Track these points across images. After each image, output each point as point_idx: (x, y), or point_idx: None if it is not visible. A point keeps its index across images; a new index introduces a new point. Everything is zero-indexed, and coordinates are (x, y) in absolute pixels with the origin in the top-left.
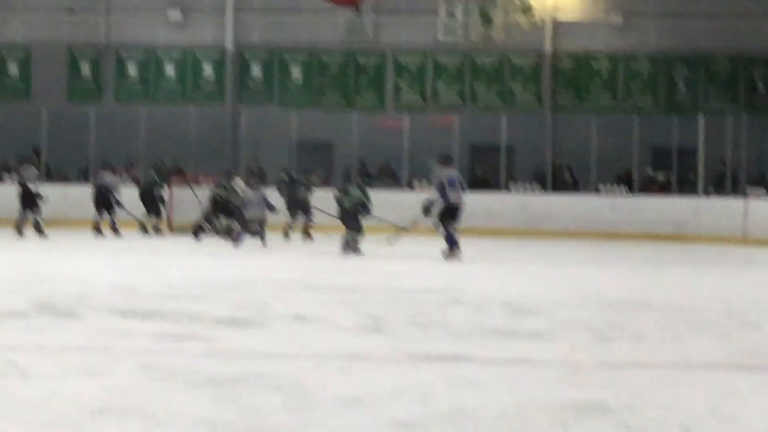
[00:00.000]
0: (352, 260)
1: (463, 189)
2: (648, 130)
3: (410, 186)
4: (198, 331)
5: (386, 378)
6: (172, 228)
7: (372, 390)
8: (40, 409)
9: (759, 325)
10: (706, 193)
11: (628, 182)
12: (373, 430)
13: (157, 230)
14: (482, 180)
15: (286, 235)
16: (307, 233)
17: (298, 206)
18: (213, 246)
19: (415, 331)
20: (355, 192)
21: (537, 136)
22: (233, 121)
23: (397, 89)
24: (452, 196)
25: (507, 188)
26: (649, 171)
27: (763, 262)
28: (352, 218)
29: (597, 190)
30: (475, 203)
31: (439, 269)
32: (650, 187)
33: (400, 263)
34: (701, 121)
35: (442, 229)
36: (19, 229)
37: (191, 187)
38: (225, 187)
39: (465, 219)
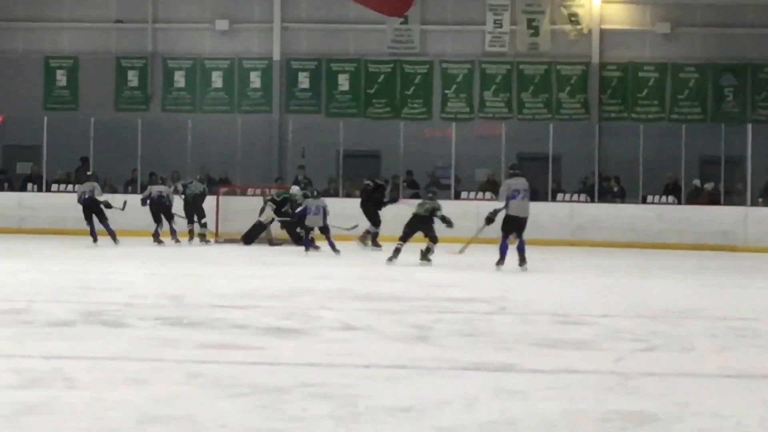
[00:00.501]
0: (399, 270)
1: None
2: (695, 139)
3: (457, 195)
4: (245, 340)
5: (433, 387)
6: (218, 237)
7: (418, 399)
8: (85, 418)
9: None
10: (754, 203)
11: (675, 192)
12: None
13: (203, 239)
14: (529, 189)
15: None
16: (376, 243)
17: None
18: (261, 254)
19: (461, 341)
20: (430, 202)
21: (584, 145)
22: (280, 131)
23: (444, 99)
24: (513, 207)
25: (554, 198)
26: (696, 182)
27: None
28: (429, 226)
29: (644, 200)
30: None
31: (486, 279)
32: (698, 197)
33: (448, 273)
34: (749, 130)
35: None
36: (94, 237)
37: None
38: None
39: None
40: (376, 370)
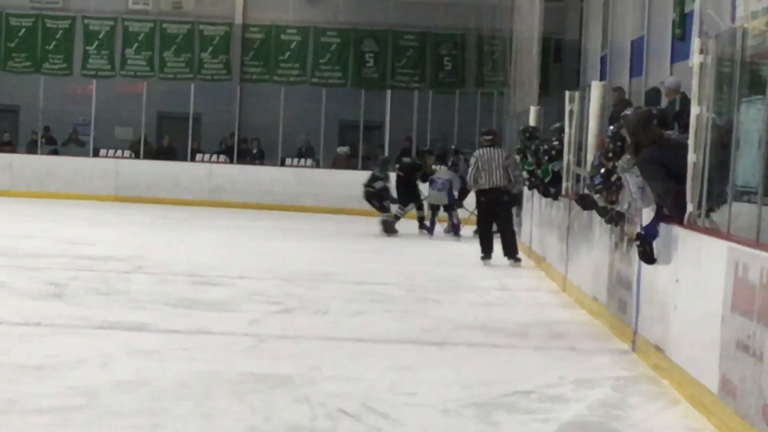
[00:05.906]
0: (38, 226)
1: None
2: (336, 103)
3: (96, 153)
4: None
5: (67, 345)
6: None
7: (52, 357)
8: None
9: (439, 302)
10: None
11: (313, 155)
12: (54, 398)
13: None
14: (169, 149)
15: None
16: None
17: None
18: None
19: (97, 299)
20: None
21: (225, 106)
22: None
23: (86, 55)
24: None
25: (193, 158)
26: (339, 150)
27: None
28: None
29: (283, 163)
30: (161, 173)
31: (124, 238)
32: (337, 160)
33: (87, 230)
34: (388, 96)
35: None
36: None
37: None
38: None
39: (148, 189)
40: (9, 327)
